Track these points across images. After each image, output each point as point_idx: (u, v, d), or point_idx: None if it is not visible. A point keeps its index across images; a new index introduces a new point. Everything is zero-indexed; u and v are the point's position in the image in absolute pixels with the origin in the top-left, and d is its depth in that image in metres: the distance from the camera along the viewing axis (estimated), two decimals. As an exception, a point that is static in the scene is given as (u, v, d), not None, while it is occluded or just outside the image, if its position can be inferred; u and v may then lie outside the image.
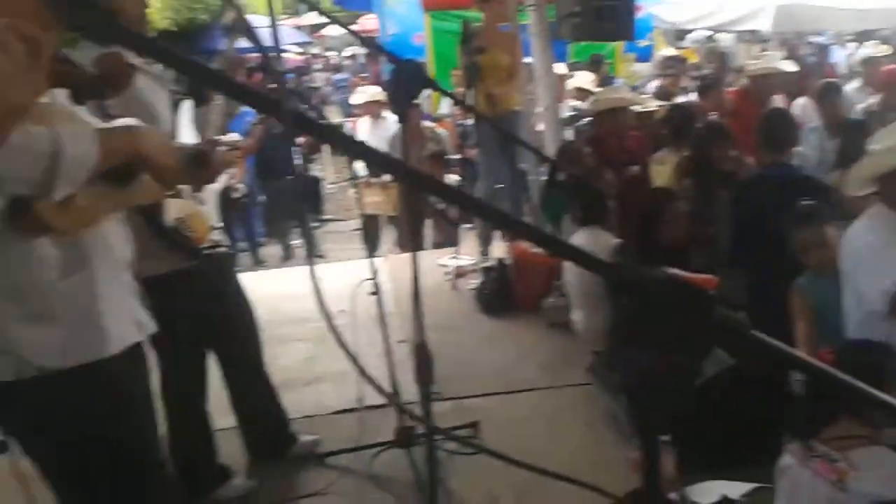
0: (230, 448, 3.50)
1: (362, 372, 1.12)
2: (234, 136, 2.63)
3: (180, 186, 2.83)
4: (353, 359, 1.03)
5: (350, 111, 12.36)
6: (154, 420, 2.25)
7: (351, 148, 0.84)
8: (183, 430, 3.05)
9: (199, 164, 2.51)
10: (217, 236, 3.10)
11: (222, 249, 3.18)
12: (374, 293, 3.41)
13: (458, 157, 7.81)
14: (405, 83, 1.85)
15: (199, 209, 2.99)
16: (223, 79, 0.79)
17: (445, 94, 7.08)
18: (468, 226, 6.99)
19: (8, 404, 1.90)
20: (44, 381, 1.84)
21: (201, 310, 3.03)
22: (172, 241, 2.78)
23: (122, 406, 2.01)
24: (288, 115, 0.85)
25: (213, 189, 3.07)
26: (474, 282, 5.81)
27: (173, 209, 2.84)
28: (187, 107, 2.96)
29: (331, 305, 4.94)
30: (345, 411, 4.02)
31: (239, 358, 3.40)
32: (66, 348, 1.86)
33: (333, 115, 15.74)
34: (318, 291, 0.98)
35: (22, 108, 0.82)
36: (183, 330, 2.89)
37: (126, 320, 2.03)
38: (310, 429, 3.76)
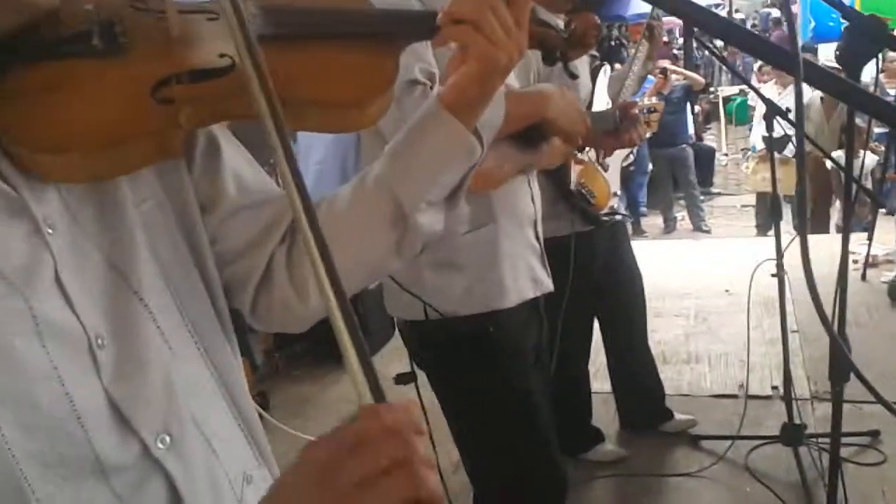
0: (603, 413, 3.53)
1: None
2: (651, 101, 2.56)
3: (587, 149, 2.88)
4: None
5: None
6: (539, 373, 2.32)
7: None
8: (562, 388, 3.14)
9: (614, 130, 2.50)
10: (615, 203, 3.11)
11: (619, 217, 3.18)
12: (775, 275, 3.12)
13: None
14: (858, 43, 1.60)
15: (601, 175, 3.02)
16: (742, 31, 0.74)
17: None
18: (885, 210, 6.18)
19: (418, 341, 2.10)
20: (446, 324, 1.98)
21: (594, 275, 3.06)
22: (574, 204, 2.84)
23: (512, 355, 2.09)
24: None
25: (619, 154, 3.06)
26: (889, 274, 5.12)
27: (577, 173, 2.90)
28: (603, 72, 2.97)
29: (715, 284, 4.75)
30: (724, 396, 3.85)
31: (623, 325, 3.40)
32: (466, 296, 1.97)
33: (723, 85, 14.97)
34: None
35: (507, 71, 0.84)
36: (575, 292, 2.95)
37: (525, 276, 2.10)
38: (685, 408, 3.65)
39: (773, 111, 2.51)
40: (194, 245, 0.88)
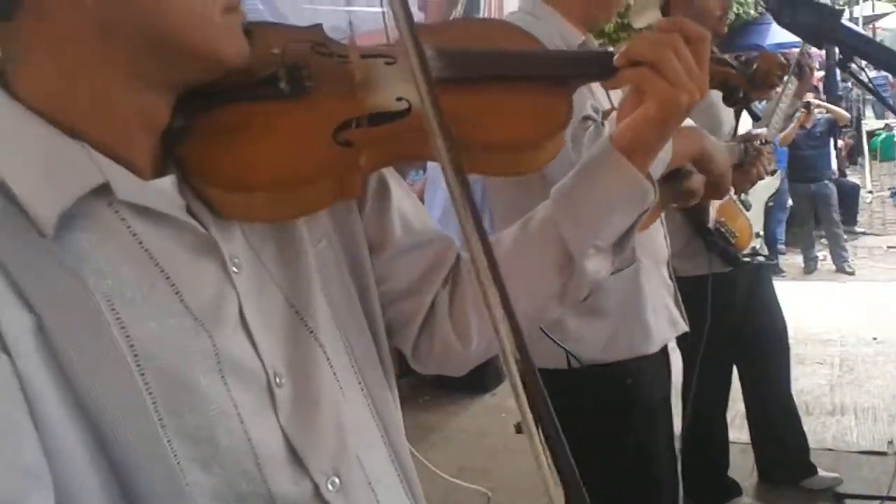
0: (741, 464, 3.36)
1: None
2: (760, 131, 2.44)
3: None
4: None
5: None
6: (671, 421, 2.22)
7: None
8: (698, 437, 3.00)
9: (739, 164, 2.39)
10: (757, 244, 2.98)
11: (762, 258, 3.04)
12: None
13: None
14: None
15: (743, 213, 2.90)
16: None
17: None
18: None
19: (549, 388, 2.02)
20: (583, 372, 1.89)
21: (733, 318, 2.93)
22: (713, 243, 2.73)
23: (646, 408, 2.00)
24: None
25: (762, 192, 2.93)
26: None
27: (717, 211, 2.79)
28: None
29: (861, 331, 4.47)
30: (871, 453, 3.61)
31: (763, 372, 3.24)
32: (610, 343, 1.89)
33: (868, 119, 14.20)
34: None
35: (686, 114, 0.81)
36: (712, 335, 2.83)
37: (664, 318, 2.02)
38: (829, 464, 3.43)
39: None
40: (362, 285, 0.89)
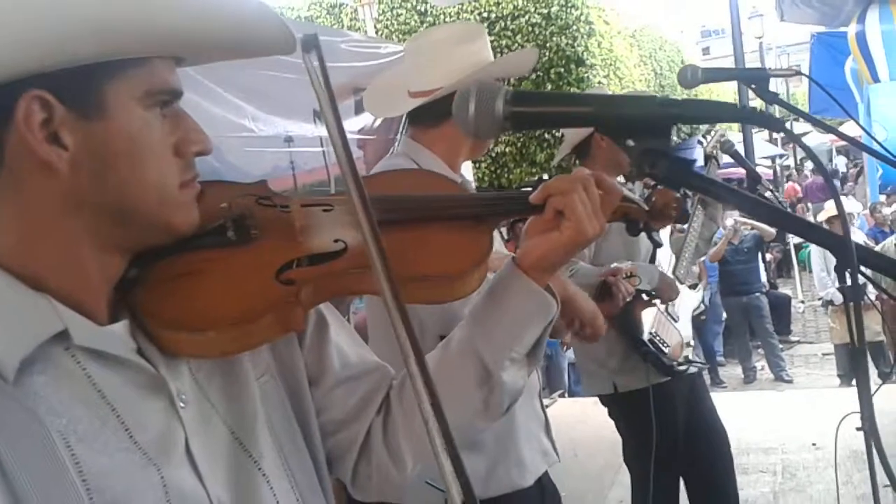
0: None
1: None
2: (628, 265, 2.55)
3: (655, 301, 2.93)
4: None
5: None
6: None
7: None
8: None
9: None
10: (689, 352, 3.11)
11: (697, 366, 3.16)
12: (860, 429, 3.01)
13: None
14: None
15: (671, 324, 3.05)
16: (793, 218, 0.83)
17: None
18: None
19: None
20: None
21: (677, 430, 3.00)
22: (648, 353, 2.85)
23: None
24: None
25: (688, 303, 3.10)
26: None
27: (649, 322, 2.93)
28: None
29: (801, 437, 4.56)
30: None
31: (711, 484, 3.26)
32: (489, 477, 1.88)
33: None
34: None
35: (588, 244, 0.94)
36: (658, 449, 2.89)
37: (536, 449, 2.02)
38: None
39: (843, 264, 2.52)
40: (302, 417, 0.96)
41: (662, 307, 3.01)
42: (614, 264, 2.60)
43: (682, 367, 2.99)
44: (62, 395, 0.74)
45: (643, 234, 1.08)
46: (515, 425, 1.93)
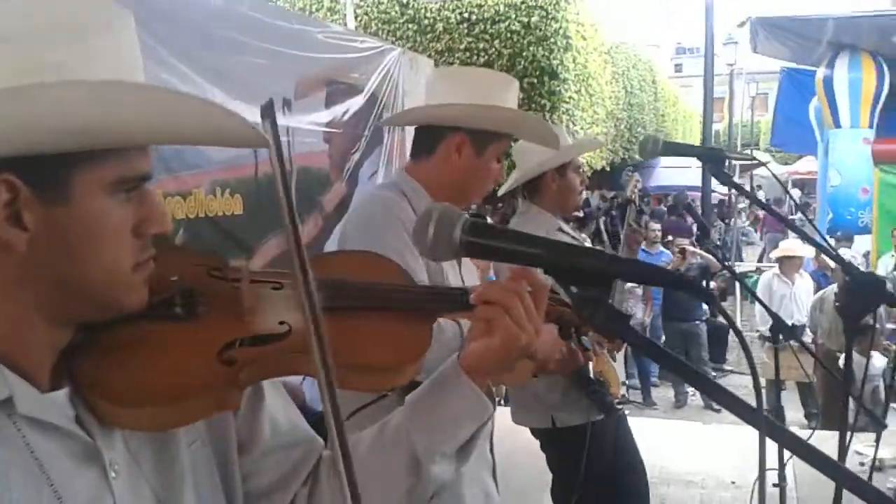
0: None
1: None
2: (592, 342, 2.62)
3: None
4: None
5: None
6: None
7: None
8: None
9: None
10: (623, 390, 3.19)
11: (624, 406, 3.24)
12: (777, 485, 3.12)
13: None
14: (859, 297, 1.71)
15: (610, 364, 3.12)
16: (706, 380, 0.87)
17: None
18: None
19: None
20: None
21: (604, 465, 3.07)
22: (595, 391, 2.90)
23: None
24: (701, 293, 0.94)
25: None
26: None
27: (594, 363, 2.98)
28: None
29: (722, 474, 4.66)
30: None
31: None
32: None
33: (749, 259, 15.27)
34: None
35: (526, 351, 0.96)
36: (586, 484, 2.94)
37: (479, 490, 2.06)
38: None
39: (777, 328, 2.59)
40: (229, 483, 0.98)
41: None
42: None
43: (620, 406, 3.07)
44: (0, 459, 0.75)
45: None
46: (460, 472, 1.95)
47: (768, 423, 0.86)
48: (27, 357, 0.79)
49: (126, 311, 0.83)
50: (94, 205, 0.77)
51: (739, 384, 9.46)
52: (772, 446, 3.10)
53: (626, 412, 3.52)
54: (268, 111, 0.79)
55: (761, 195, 20.47)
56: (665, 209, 14.31)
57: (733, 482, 4.98)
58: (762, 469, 0.97)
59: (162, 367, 0.85)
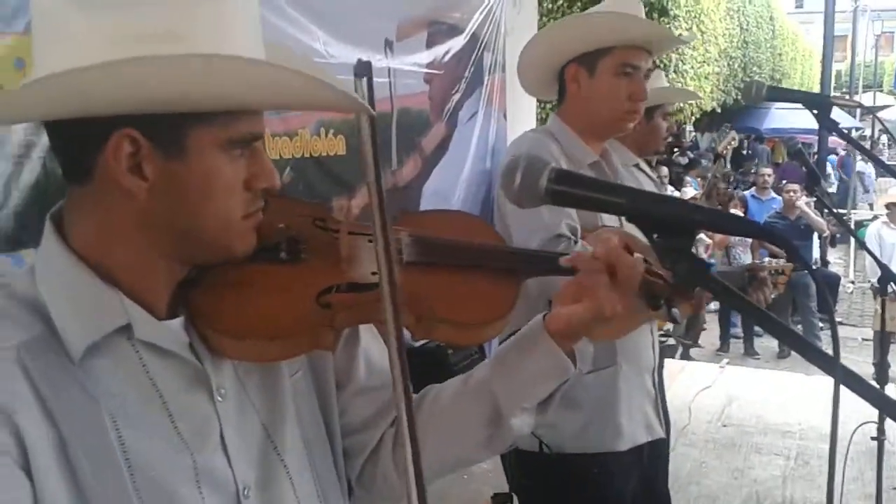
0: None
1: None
2: (781, 263, 2.56)
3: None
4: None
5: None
6: None
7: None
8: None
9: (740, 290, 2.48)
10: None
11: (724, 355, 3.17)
12: (875, 438, 3.05)
13: None
14: None
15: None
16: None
17: None
18: None
19: (521, 468, 2.18)
20: (554, 458, 2.05)
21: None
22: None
23: (615, 497, 2.15)
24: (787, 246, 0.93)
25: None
26: None
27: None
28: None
29: (821, 425, 4.59)
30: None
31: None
32: (582, 434, 2.05)
33: (863, 210, 14.53)
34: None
35: (608, 323, 0.99)
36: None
37: (639, 422, 2.17)
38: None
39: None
40: (327, 415, 1.07)
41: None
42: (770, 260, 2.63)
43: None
44: (118, 378, 0.85)
45: None
46: (616, 395, 2.08)
47: (844, 371, 0.87)
48: (146, 288, 0.88)
49: (235, 257, 0.91)
50: (208, 161, 0.84)
51: (849, 336, 9.14)
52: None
53: (727, 362, 3.48)
54: (364, 69, 0.84)
55: (885, 139, 19.30)
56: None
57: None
58: (835, 419, 0.98)
59: (266, 305, 0.93)
